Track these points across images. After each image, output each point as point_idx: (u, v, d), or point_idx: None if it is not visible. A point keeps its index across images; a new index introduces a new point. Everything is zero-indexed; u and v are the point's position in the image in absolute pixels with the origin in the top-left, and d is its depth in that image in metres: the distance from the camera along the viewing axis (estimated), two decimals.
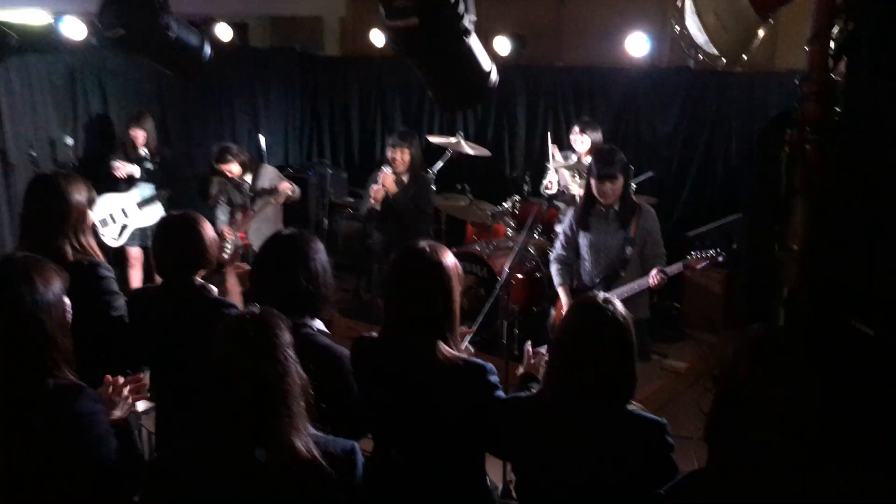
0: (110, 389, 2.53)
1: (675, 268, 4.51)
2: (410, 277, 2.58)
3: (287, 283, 2.74)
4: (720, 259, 4.52)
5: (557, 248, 4.96)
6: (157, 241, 3.29)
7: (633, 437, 2.33)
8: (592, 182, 4.63)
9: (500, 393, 2.60)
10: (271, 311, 2.17)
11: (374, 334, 2.72)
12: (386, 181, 5.73)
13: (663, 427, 2.35)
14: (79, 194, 3.27)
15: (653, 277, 4.48)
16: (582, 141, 6.10)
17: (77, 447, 2.25)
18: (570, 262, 4.88)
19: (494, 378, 2.59)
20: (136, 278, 6.82)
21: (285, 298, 2.70)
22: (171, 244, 3.21)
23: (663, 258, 4.67)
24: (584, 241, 4.80)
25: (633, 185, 5.14)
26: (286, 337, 2.11)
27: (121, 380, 2.57)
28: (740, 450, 1.95)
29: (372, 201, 5.80)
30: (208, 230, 3.24)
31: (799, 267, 2.72)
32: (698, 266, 4.54)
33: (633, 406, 2.38)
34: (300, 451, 2.03)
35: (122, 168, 6.58)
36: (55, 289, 2.31)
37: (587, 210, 4.77)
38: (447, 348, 2.54)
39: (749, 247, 3.14)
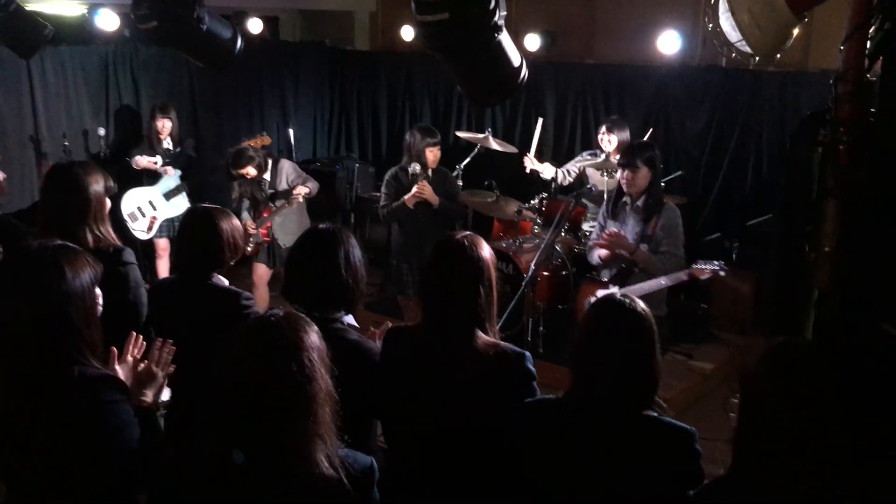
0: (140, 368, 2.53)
1: (678, 276, 4.53)
2: (449, 268, 2.57)
3: (327, 278, 2.70)
4: (722, 273, 4.59)
5: (593, 236, 5.23)
6: (178, 235, 3.33)
7: (661, 445, 2.27)
8: (619, 171, 4.86)
9: (535, 384, 2.59)
10: (296, 314, 2.07)
11: (410, 324, 2.71)
12: (426, 192, 5.42)
13: (692, 435, 2.29)
14: (97, 184, 3.30)
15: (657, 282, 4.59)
16: (609, 140, 6.10)
17: (99, 435, 2.25)
18: None
19: (531, 366, 2.58)
20: (163, 269, 6.87)
21: (323, 293, 2.70)
22: (189, 240, 3.24)
23: (680, 260, 4.72)
24: (610, 229, 4.93)
25: (662, 185, 5.13)
26: (312, 341, 1.99)
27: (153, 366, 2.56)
28: (765, 463, 1.92)
29: (410, 206, 5.50)
30: (227, 228, 3.23)
31: (830, 269, 2.69)
32: (701, 277, 4.59)
33: (659, 407, 2.35)
34: (320, 465, 1.93)
35: (143, 161, 6.69)
36: (84, 279, 2.29)
37: (616, 200, 4.98)
38: (484, 336, 2.55)
39: (780, 248, 3.10)
